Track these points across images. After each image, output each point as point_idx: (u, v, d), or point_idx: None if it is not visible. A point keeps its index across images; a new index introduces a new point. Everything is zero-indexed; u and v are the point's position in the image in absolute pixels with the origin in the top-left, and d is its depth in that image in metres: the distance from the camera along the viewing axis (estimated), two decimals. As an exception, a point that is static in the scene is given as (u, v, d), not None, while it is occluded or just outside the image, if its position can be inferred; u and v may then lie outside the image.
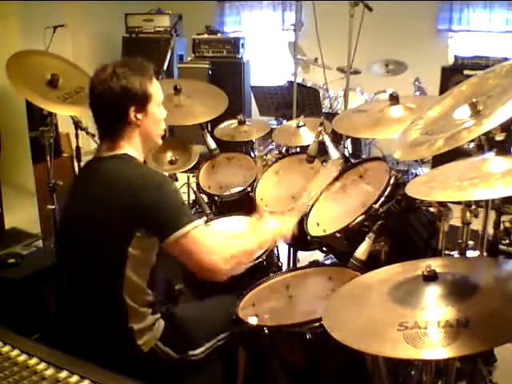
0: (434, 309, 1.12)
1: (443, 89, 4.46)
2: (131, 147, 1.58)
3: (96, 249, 1.49)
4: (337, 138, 2.36)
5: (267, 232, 1.71)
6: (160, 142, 1.69)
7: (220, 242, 1.57)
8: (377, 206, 1.73)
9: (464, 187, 1.21)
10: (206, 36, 5.91)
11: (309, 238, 1.94)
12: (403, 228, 1.84)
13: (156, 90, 1.61)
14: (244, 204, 2.41)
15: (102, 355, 1.19)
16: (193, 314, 1.72)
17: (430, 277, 1.19)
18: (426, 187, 1.34)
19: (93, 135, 2.71)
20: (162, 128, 1.68)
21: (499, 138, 1.32)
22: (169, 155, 2.82)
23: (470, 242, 1.78)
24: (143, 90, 1.56)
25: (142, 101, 1.56)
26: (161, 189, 1.50)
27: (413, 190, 1.39)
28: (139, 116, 1.56)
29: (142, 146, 1.62)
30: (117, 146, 1.57)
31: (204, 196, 2.59)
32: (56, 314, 1.62)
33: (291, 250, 2.55)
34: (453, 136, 1.36)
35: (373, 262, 1.64)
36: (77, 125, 2.75)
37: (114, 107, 1.54)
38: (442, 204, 1.63)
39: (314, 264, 2.07)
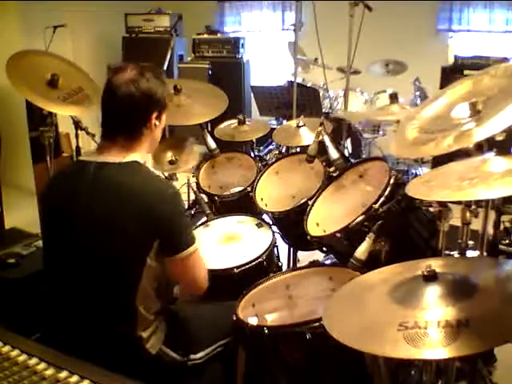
0: (434, 309, 1.12)
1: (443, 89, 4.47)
2: (140, 153, 1.55)
3: (113, 259, 1.45)
4: (337, 138, 2.36)
5: None
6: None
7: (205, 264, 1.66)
8: (377, 206, 1.73)
9: (464, 187, 1.21)
10: (206, 36, 5.91)
11: (309, 237, 1.94)
12: (403, 228, 1.84)
13: (167, 97, 1.61)
14: (244, 204, 2.42)
15: (109, 359, 1.18)
16: (195, 317, 1.71)
17: (430, 277, 1.19)
18: (426, 187, 1.34)
19: (93, 135, 2.71)
20: None
21: (499, 138, 1.32)
22: (169, 155, 2.82)
23: (470, 242, 1.78)
24: (163, 96, 1.56)
25: (162, 107, 1.57)
26: (174, 203, 1.50)
27: (413, 189, 1.39)
28: (157, 122, 1.56)
29: (146, 151, 1.60)
30: (128, 150, 1.52)
31: (204, 196, 2.59)
32: (59, 314, 1.59)
33: (291, 250, 2.55)
34: (462, 134, 1.35)
35: (373, 262, 1.64)
36: (77, 125, 2.75)
37: (140, 109, 1.51)
38: (442, 204, 1.63)
39: (314, 264, 2.07)
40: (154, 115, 1.54)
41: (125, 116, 1.52)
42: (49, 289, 1.59)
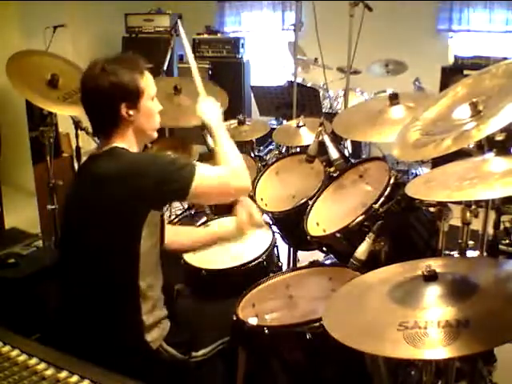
0: (434, 309, 1.12)
1: (443, 89, 4.46)
2: (124, 143, 1.58)
3: (106, 240, 1.49)
4: (337, 138, 2.36)
5: None
6: (155, 135, 1.69)
7: (220, 166, 1.68)
8: (377, 206, 1.73)
9: (463, 187, 1.21)
10: (206, 36, 5.91)
11: (309, 238, 1.94)
12: (403, 228, 1.84)
13: (148, 84, 1.59)
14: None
15: (109, 353, 1.19)
16: (197, 315, 1.72)
17: (430, 277, 1.19)
18: (426, 187, 1.34)
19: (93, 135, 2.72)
20: (157, 121, 1.66)
21: (499, 137, 1.32)
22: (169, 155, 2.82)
23: (470, 242, 1.78)
24: (134, 85, 1.54)
25: (132, 96, 1.55)
26: (152, 168, 1.51)
27: (413, 189, 1.39)
28: (131, 112, 1.55)
29: (136, 141, 1.61)
30: (110, 142, 1.57)
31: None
32: (57, 313, 1.61)
33: (291, 250, 2.55)
34: (461, 135, 1.35)
35: (373, 262, 1.64)
36: (77, 125, 2.75)
37: (104, 104, 1.53)
38: (442, 204, 1.63)
39: (314, 264, 2.07)
40: (123, 106, 1.53)
41: (92, 114, 1.58)
42: (46, 289, 1.63)
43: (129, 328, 1.52)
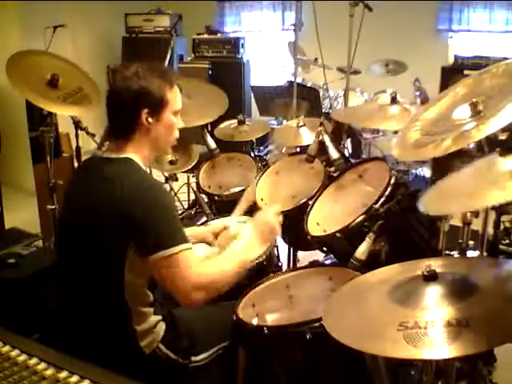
0: (434, 309, 1.12)
1: (443, 89, 4.46)
2: (136, 152, 1.55)
3: (95, 252, 1.48)
4: (337, 138, 2.36)
5: (239, 252, 1.61)
6: (169, 150, 1.68)
7: (200, 272, 1.46)
8: (377, 206, 1.73)
9: (478, 192, 1.18)
10: (206, 36, 5.91)
11: (309, 237, 1.94)
12: (403, 228, 1.84)
13: (174, 97, 1.59)
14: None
15: (104, 357, 1.19)
16: (197, 319, 1.70)
17: (430, 277, 1.19)
18: (442, 200, 1.32)
19: (93, 135, 2.72)
20: (174, 137, 1.65)
21: (502, 137, 1.31)
22: (169, 155, 2.83)
23: (470, 242, 1.78)
24: (160, 94, 1.54)
25: (156, 105, 1.54)
26: (151, 201, 1.45)
27: (428, 206, 1.34)
28: (151, 120, 1.54)
29: (148, 151, 1.59)
30: (122, 148, 1.54)
31: (204, 196, 2.59)
32: (54, 316, 1.60)
33: (291, 249, 2.55)
34: (461, 135, 1.34)
35: (373, 262, 1.64)
36: (77, 125, 2.75)
37: (126, 105, 1.52)
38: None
39: (314, 264, 2.07)
40: (144, 112, 1.52)
41: (114, 113, 1.57)
42: (46, 289, 1.62)
43: (121, 335, 1.51)
